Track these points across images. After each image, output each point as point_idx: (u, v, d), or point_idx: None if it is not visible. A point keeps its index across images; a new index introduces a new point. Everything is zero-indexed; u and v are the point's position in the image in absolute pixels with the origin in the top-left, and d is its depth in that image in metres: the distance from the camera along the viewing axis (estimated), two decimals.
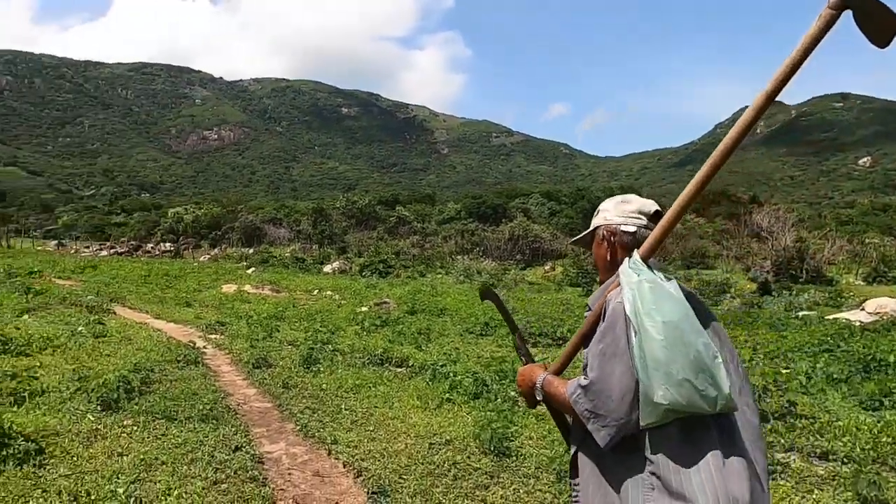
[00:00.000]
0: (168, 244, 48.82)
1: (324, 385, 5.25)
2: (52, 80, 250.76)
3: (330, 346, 6.93)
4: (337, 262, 31.90)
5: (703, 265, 27.62)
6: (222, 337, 8.05)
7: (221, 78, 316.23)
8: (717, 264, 27.31)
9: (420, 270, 26.32)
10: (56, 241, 49.69)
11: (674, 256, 28.69)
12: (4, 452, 3.07)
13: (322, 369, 5.85)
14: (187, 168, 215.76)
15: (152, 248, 45.95)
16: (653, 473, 1.32)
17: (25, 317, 8.71)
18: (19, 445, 3.13)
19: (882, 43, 1.16)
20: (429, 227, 68.06)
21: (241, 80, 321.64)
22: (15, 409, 3.92)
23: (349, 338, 7.99)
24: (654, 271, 1.38)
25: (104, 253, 38.32)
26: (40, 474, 3.02)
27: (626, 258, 1.42)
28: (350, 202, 69.60)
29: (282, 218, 68.00)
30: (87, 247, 45.80)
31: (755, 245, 27.02)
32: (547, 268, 36.25)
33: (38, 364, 5.48)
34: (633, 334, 1.31)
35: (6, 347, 5.68)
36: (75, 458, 3.24)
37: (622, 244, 1.56)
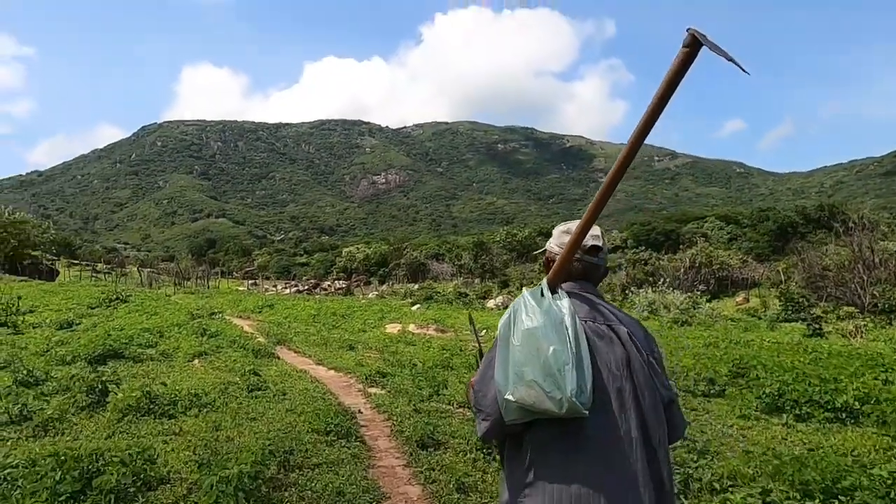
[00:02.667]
0: (341, 282, 51.89)
1: None
2: (251, 142, 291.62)
3: None
4: (500, 297, 30.63)
5: None
6: (383, 392, 6.92)
7: (387, 126, 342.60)
8: None
9: None
10: (251, 281, 55.42)
11: None
12: None
13: None
14: (359, 211, 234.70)
15: (328, 285, 48.97)
16: (527, 476, 1.52)
17: (196, 362, 8.46)
18: None
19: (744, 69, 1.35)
20: None
21: (404, 127, 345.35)
22: None
23: None
24: (548, 291, 1.58)
25: (287, 291, 41.41)
26: None
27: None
28: (510, 235, 68.98)
29: (444, 253, 69.46)
30: (275, 286, 50.23)
31: None
32: (739, 299, 31.42)
33: (177, 429, 4.67)
34: (500, 342, 1.56)
35: (151, 407, 5.02)
36: None
37: None
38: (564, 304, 1.54)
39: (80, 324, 12.26)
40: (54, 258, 43.10)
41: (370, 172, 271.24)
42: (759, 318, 19.52)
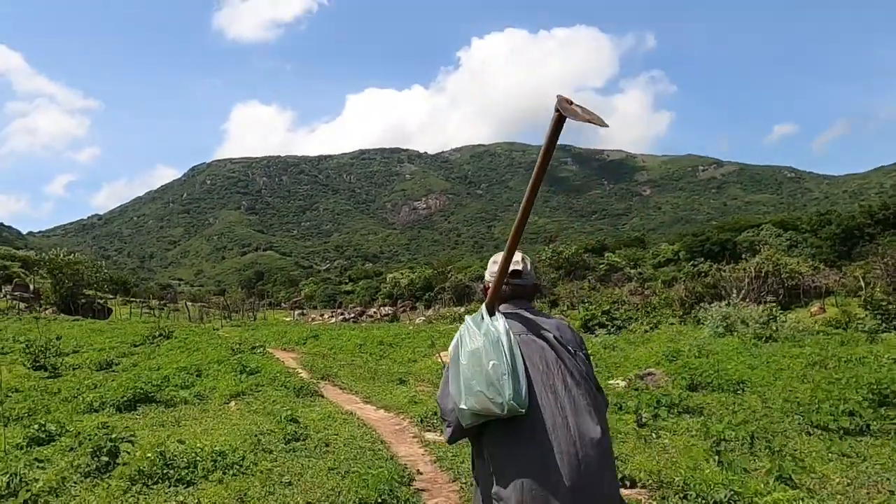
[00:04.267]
0: (387, 308, 51.29)
1: None
2: (295, 175, 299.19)
3: None
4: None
5: None
6: (441, 438, 5.87)
7: (426, 152, 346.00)
8: None
9: (651, 322, 22.31)
10: (298, 311, 55.50)
11: None
12: None
13: None
14: (402, 237, 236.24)
15: (374, 312, 48.44)
16: (490, 469, 1.86)
17: (232, 404, 7.64)
18: None
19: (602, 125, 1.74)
20: (645, 272, 62.07)
21: (443, 152, 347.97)
22: None
23: (628, 439, 5.20)
24: (487, 314, 1.94)
25: (333, 320, 41.00)
26: None
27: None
28: (556, 252, 67.12)
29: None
30: (321, 315, 50.05)
31: None
32: (815, 309, 28.94)
33: (195, 502, 3.75)
34: (452, 363, 1.93)
35: (166, 472, 4.12)
36: None
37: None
38: (500, 325, 1.91)
39: (118, 364, 11.73)
40: (110, 297, 44.15)
41: (411, 198, 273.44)
42: (845, 329, 17.59)
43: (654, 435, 5.26)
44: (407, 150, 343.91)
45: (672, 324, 23.37)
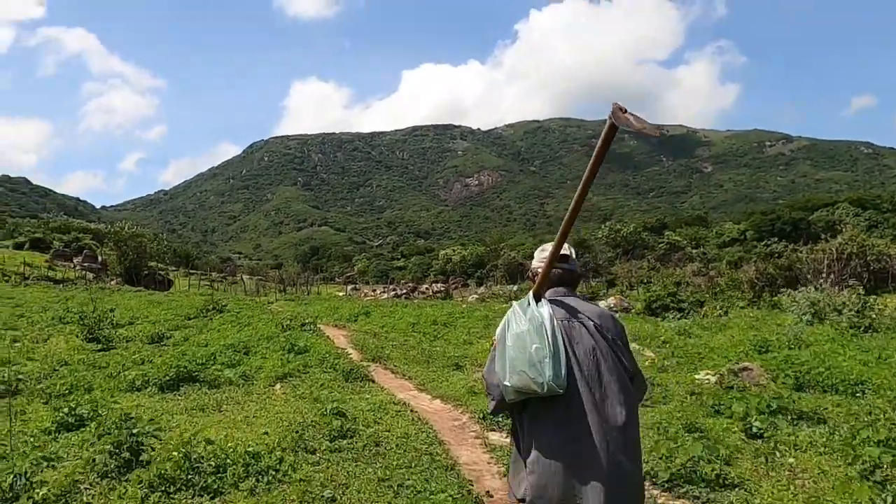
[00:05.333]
0: (439, 284, 50.88)
1: None
2: (349, 152, 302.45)
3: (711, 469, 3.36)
4: (612, 299, 27.86)
5: None
6: (508, 440, 5.10)
7: (479, 129, 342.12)
8: None
9: (722, 307, 20.75)
10: (351, 286, 55.95)
11: None
12: None
13: None
14: (454, 214, 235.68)
15: (426, 288, 48.10)
16: (528, 440, 2.06)
17: (278, 386, 7.12)
18: None
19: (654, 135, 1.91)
20: (709, 252, 59.07)
21: (495, 128, 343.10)
22: None
23: (741, 455, 4.26)
24: (534, 301, 2.09)
25: (385, 295, 40.88)
26: None
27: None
28: (613, 231, 64.78)
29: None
30: (374, 290, 50.17)
31: None
32: None
33: None
34: (499, 343, 2.10)
35: (190, 477, 3.52)
36: None
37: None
38: (544, 311, 2.06)
39: (170, 337, 11.53)
40: (173, 269, 45.65)
41: (463, 175, 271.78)
42: None
43: (774, 451, 4.30)
44: (459, 126, 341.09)
45: (742, 307, 21.74)
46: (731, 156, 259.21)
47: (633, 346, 9.97)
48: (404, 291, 45.21)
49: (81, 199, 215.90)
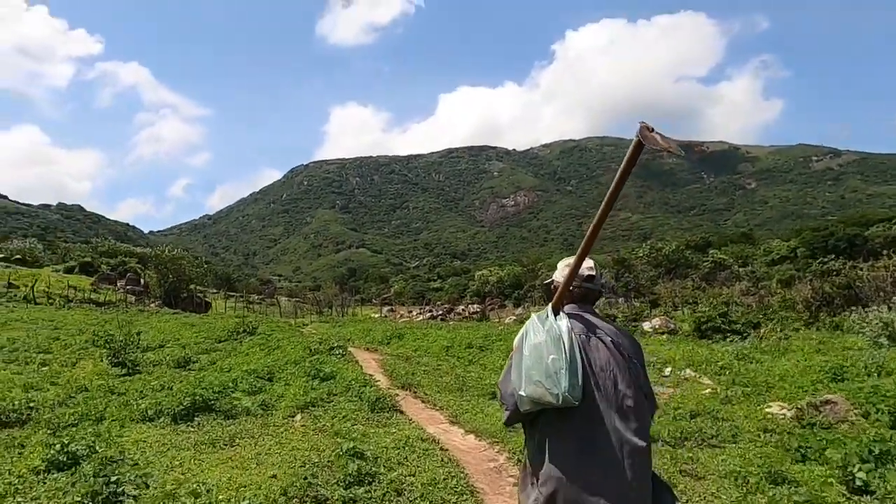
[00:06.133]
0: (476, 305, 50.04)
1: None
2: (386, 174, 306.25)
3: None
4: (657, 320, 26.55)
5: None
6: None
7: (514, 149, 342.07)
8: None
9: (781, 328, 19.35)
10: (387, 307, 55.61)
11: None
12: None
13: None
14: (490, 234, 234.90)
15: (462, 309, 47.33)
16: (540, 449, 2.06)
17: (298, 417, 6.56)
18: None
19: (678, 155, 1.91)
20: (757, 271, 56.55)
21: (531, 149, 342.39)
22: None
23: None
24: (552, 313, 2.14)
25: (421, 317, 40.33)
26: None
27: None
28: (654, 249, 62.80)
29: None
30: (410, 311, 49.69)
31: None
32: None
33: None
34: (515, 353, 2.13)
35: None
36: None
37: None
38: (563, 324, 2.08)
39: (196, 361, 11.18)
40: (213, 291, 46.26)
41: (499, 196, 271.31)
42: None
43: None
44: (495, 147, 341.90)
45: (796, 329, 20.37)
46: (776, 172, 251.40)
47: (688, 372, 9.06)
48: (440, 313, 44.55)
49: (131, 224, 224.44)
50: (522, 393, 2.01)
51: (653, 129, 1.75)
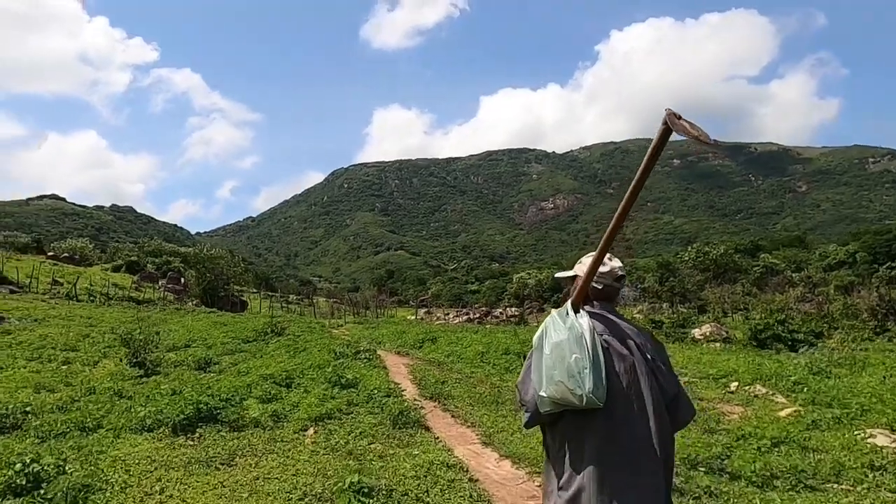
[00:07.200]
0: (514, 309, 48.92)
1: None
2: (425, 177, 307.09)
3: None
4: (707, 327, 24.96)
5: None
6: None
7: (553, 152, 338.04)
8: None
9: (852, 338, 17.78)
10: (424, 310, 55.01)
11: None
12: None
13: None
14: (528, 237, 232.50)
15: (500, 313, 46.30)
16: (561, 451, 1.99)
17: (310, 432, 5.81)
18: None
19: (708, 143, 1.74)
20: (814, 276, 53.52)
21: (570, 151, 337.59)
22: None
23: None
24: (572, 311, 2.04)
25: (457, 320, 39.51)
26: None
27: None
28: (701, 253, 60.31)
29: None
30: (446, 314, 48.93)
31: None
32: None
33: None
34: (535, 351, 2.04)
35: None
36: None
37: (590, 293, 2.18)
38: (584, 322, 1.99)
39: (217, 363, 10.62)
40: (253, 291, 46.58)
41: (537, 199, 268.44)
42: None
43: None
44: (534, 150, 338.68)
45: (867, 339, 18.73)
46: (830, 173, 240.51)
47: (758, 387, 7.92)
48: (477, 316, 43.64)
49: (179, 225, 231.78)
50: (543, 394, 1.93)
51: (680, 117, 1.68)
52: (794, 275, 54.53)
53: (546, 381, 1.92)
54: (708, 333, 21.78)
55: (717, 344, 19.40)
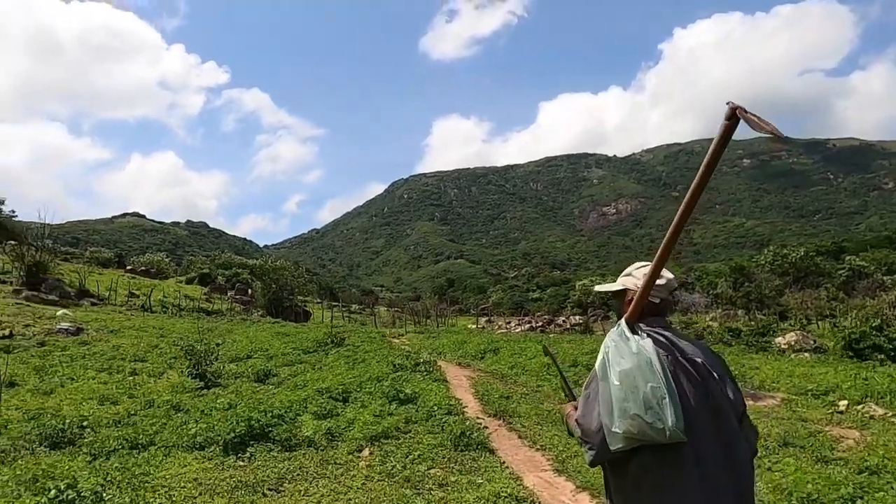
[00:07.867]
0: (577, 317, 47.49)
1: None
2: (483, 185, 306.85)
3: None
4: (792, 335, 23.06)
5: None
6: None
7: (615, 156, 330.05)
8: None
9: None
10: (485, 318, 54.35)
11: None
12: None
13: None
14: (590, 244, 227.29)
15: (563, 321, 45.04)
16: (632, 495, 1.78)
17: (365, 453, 5.38)
18: None
19: (778, 137, 1.54)
20: None
21: (633, 154, 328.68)
22: None
23: None
24: (630, 331, 1.80)
25: (519, 328, 38.62)
26: None
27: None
28: (779, 256, 56.67)
29: (693, 281, 60.04)
30: (508, 322, 48.08)
31: None
32: None
33: None
34: (601, 382, 1.78)
35: None
36: None
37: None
38: (648, 344, 1.77)
39: (276, 375, 10.46)
40: (317, 301, 47.50)
41: (599, 204, 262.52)
42: None
43: None
44: (594, 154, 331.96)
45: None
46: None
47: (873, 407, 6.88)
48: (539, 324, 42.56)
49: (248, 238, 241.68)
50: (616, 430, 1.69)
51: (746, 111, 1.55)
52: (885, 278, 50.27)
53: (618, 415, 1.70)
54: (794, 342, 20.04)
55: (806, 354, 17.77)
